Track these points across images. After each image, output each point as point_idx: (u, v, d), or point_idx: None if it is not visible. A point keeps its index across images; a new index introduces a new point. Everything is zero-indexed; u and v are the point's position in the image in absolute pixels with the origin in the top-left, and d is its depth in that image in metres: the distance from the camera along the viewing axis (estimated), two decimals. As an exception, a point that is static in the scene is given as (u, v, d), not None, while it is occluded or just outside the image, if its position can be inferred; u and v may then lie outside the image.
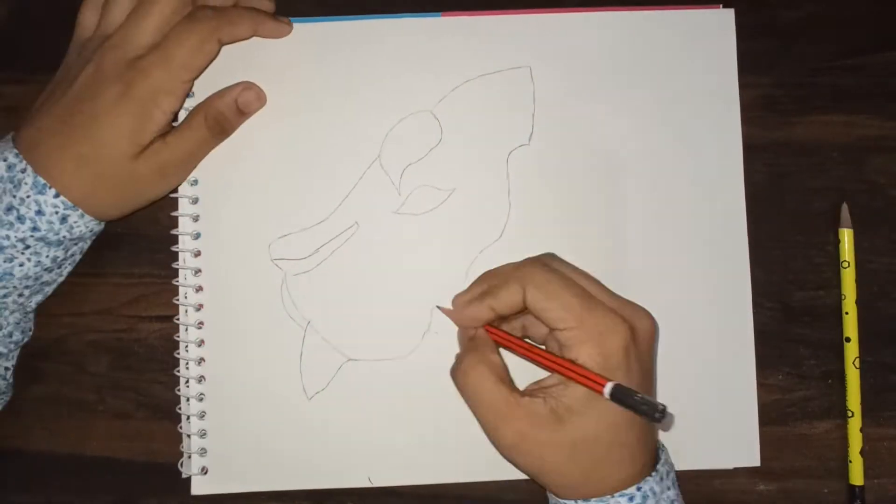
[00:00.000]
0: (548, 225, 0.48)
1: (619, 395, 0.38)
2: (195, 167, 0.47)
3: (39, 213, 0.43)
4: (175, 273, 0.48)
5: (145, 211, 0.49)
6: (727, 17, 0.49)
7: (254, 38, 0.48)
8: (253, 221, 0.48)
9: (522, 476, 0.46)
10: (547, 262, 0.42)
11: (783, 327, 0.48)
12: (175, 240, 0.48)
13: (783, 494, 0.48)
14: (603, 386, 0.38)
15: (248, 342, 0.47)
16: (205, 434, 0.47)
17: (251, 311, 0.48)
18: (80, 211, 0.44)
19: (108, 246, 0.49)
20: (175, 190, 0.48)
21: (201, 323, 0.48)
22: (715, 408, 0.48)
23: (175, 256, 0.48)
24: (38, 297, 0.47)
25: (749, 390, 0.48)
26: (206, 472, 0.47)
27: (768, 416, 0.48)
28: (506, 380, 0.41)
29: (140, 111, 0.43)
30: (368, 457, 0.47)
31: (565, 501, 0.41)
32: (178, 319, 0.48)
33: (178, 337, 0.48)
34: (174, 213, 0.48)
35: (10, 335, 0.46)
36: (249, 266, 0.48)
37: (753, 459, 0.47)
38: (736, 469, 0.48)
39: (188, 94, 0.47)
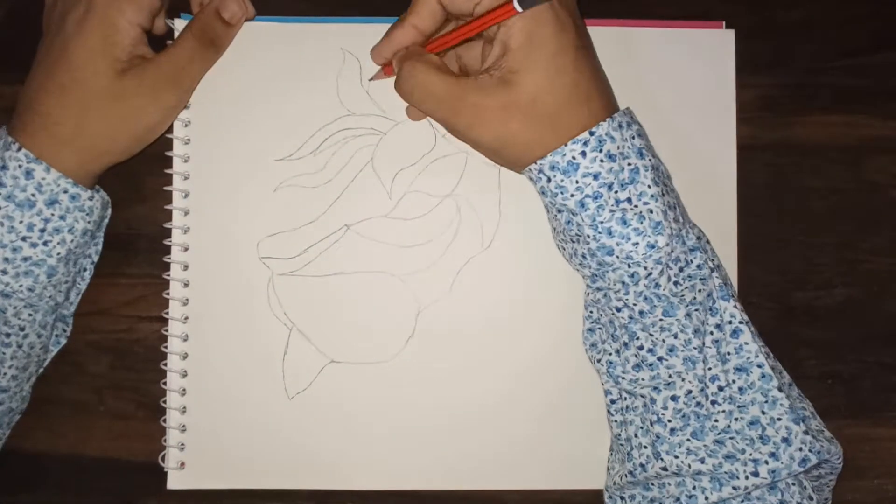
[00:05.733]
0: (537, 237, 0.48)
1: None
2: (191, 87, 0.47)
3: (3, 167, 0.43)
4: (174, 274, 0.48)
5: (146, 211, 0.49)
6: (728, 37, 0.49)
7: (249, 37, 0.48)
8: (242, 219, 0.48)
9: (511, 486, 0.47)
10: None
11: (783, 327, 0.48)
12: (170, 234, 0.48)
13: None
14: (512, 4, 0.38)
15: (232, 339, 0.48)
16: (185, 429, 0.47)
17: (236, 308, 0.48)
18: (45, 165, 0.43)
19: (107, 246, 0.49)
20: (169, 182, 0.48)
21: (187, 318, 0.48)
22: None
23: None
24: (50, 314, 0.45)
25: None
26: (183, 467, 0.47)
27: (768, 417, 0.48)
28: (449, 70, 0.42)
29: (105, 23, 0.43)
30: (347, 459, 0.47)
31: (537, 163, 0.41)
32: (166, 313, 0.48)
33: (166, 331, 0.48)
34: (167, 207, 0.48)
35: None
36: (237, 263, 0.48)
37: None
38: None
39: (155, 14, 0.46)
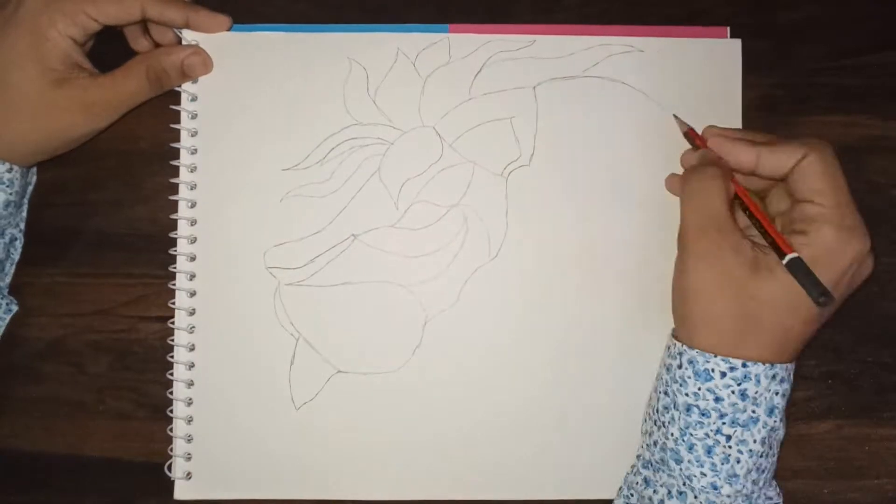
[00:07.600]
0: (544, 246, 0.48)
1: (797, 266, 0.38)
2: (126, 111, 0.47)
3: None
4: (173, 276, 0.48)
5: (146, 211, 0.49)
6: (734, 47, 0.48)
7: (255, 47, 0.48)
8: (249, 229, 0.48)
9: (519, 496, 0.47)
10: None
11: (783, 327, 0.48)
12: (174, 242, 0.48)
13: (783, 494, 0.48)
14: (788, 252, 0.39)
15: (239, 349, 0.47)
16: (191, 439, 0.47)
17: (243, 318, 0.48)
18: None
19: (108, 246, 0.49)
20: (175, 191, 0.48)
21: (193, 327, 0.48)
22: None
23: (174, 259, 0.48)
24: None
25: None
26: (189, 477, 0.47)
27: (768, 417, 0.48)
28: (731, 204, 0.41)
29: (33, 30, 0.43)
30: (354, 469, 0.47)
31: (683, 347, 0.41)
32: (172, 323, 0.48)
33: (173, 340, 0.48)
34: (173, 216, 0.48)
35: None
36: (244, 273, 0.48)
37: None
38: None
39: (90, 37, 0.46)
